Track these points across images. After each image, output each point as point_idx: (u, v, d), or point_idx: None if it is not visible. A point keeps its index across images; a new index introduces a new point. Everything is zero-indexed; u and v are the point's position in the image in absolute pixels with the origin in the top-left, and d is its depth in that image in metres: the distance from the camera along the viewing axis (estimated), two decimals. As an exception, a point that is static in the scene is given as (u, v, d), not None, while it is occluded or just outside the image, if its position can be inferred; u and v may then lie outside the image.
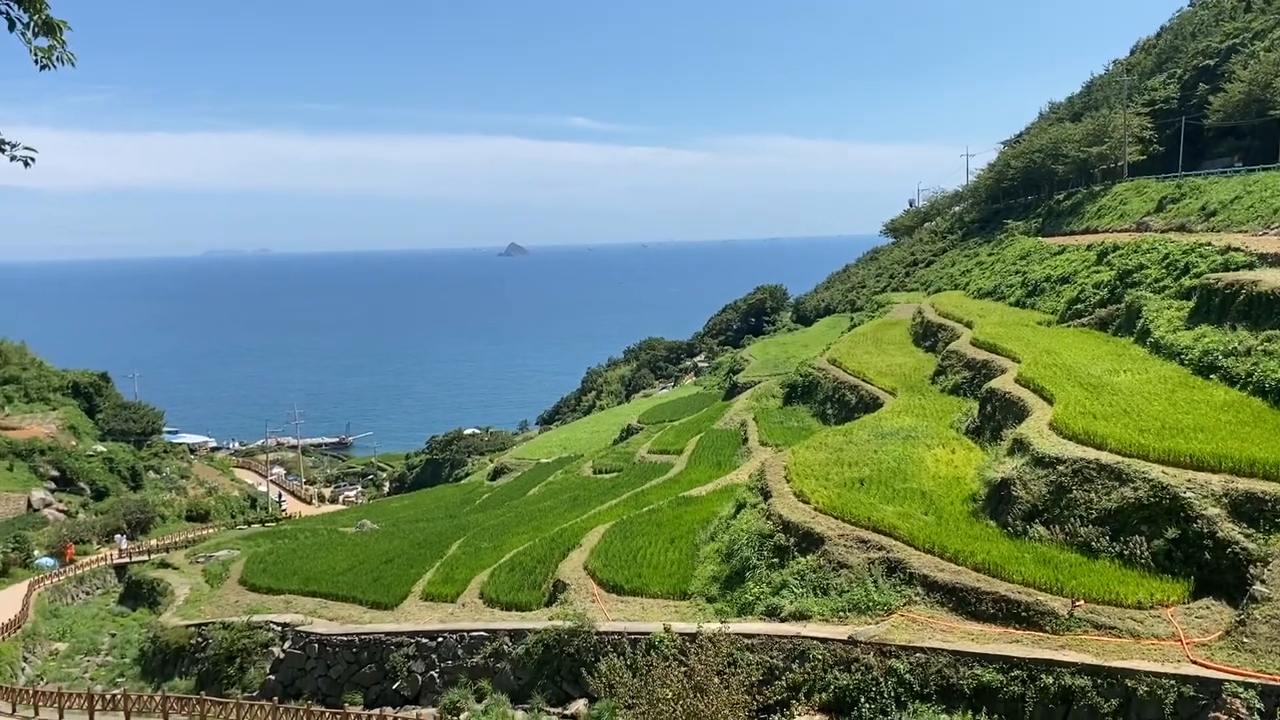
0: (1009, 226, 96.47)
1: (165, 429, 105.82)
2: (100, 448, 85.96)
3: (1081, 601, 24.03)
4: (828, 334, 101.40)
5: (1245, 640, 21.28)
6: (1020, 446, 30.57)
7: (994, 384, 39.78)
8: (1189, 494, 24.93)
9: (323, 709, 29.91)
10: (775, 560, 30.42)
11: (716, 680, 22.12)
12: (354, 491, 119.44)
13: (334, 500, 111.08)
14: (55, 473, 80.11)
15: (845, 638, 25.52)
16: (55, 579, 60.15)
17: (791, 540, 30.55)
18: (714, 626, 27.33)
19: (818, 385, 61.47)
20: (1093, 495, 26.79)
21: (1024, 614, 24.42)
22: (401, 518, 68.31)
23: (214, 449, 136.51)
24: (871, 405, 50.41)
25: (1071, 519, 26.80)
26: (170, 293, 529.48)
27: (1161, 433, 28.11)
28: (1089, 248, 64.12)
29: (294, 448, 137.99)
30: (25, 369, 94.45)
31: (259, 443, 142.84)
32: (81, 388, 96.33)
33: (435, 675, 32.56)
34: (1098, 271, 57.20)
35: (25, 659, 45.97)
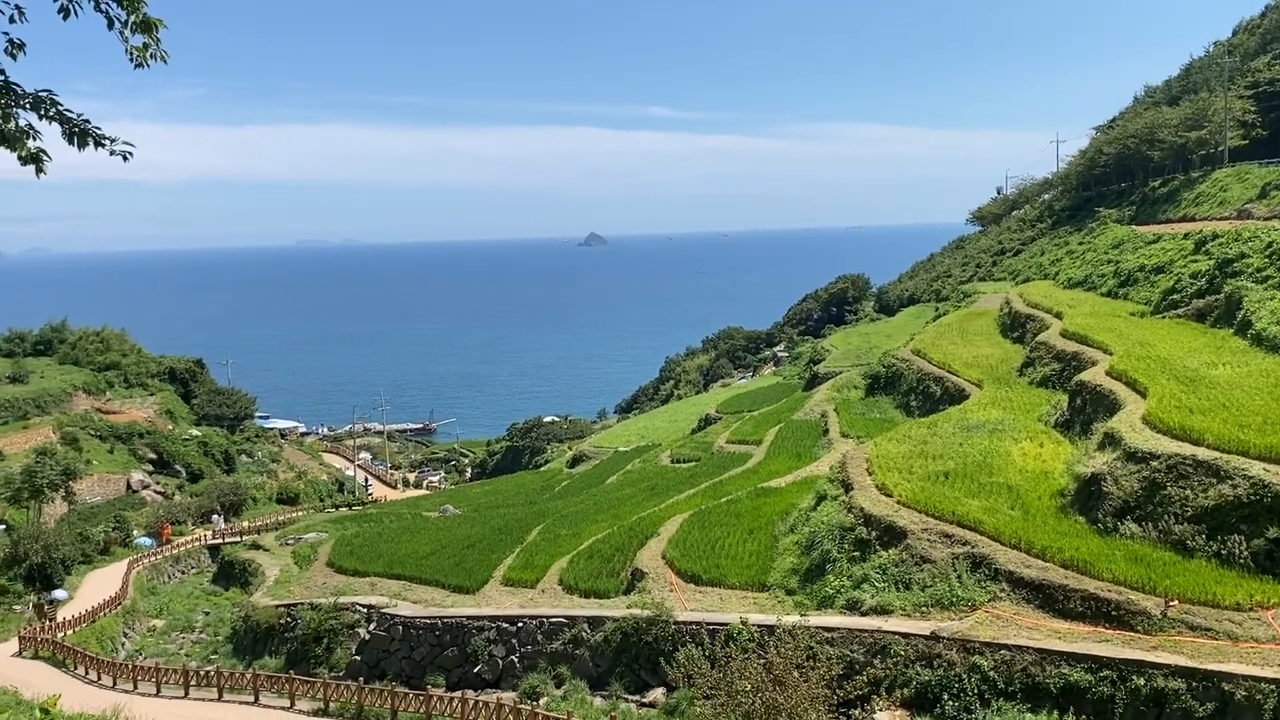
0: (1101, 214, 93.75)
1: (257, 414, 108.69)
2: (195, 432, 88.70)
3: (1176, 601, 23.31)
4: (912, 324, 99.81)
5: (1351, 646, 20.44)
6: (1111, 441, 29.74)
7: (1084, 376, 38.74)
8: (1292, 492, 23.97)
9: (406, 690, 30.47)
10: (856, 553, 30.09)
11: (796, 674, 21.97)
12: (437, 477, 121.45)
13: (418, 485, 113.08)
14: (153, 455, 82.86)
15: (928, 633, 25.14)
16: (153, 558, 62.22)
17: (873, 533, 30.19)
18: (793, 619, 27.15)
19: (901, 376, 60.55)
20: (1188, 492, 25.94)
21: (1114, 613, 23.78)
22: (483, 503, 69.23)
23: (303, 434, 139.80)
24: (957, 397, 49.48)
25: (1165, 516, 25.99)
26: (262, 281, 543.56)
27: (1263, 428, 27.08)
28: (1186, 236, 61.94)
29: (380, 433, 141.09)
30: (125, 355, 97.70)
31: (346, 428, 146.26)
32: (178, 373, 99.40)
33: (515, 660, 32.96)
34: (1195, 261, 55.23)
35: (125, 635, 47.72)
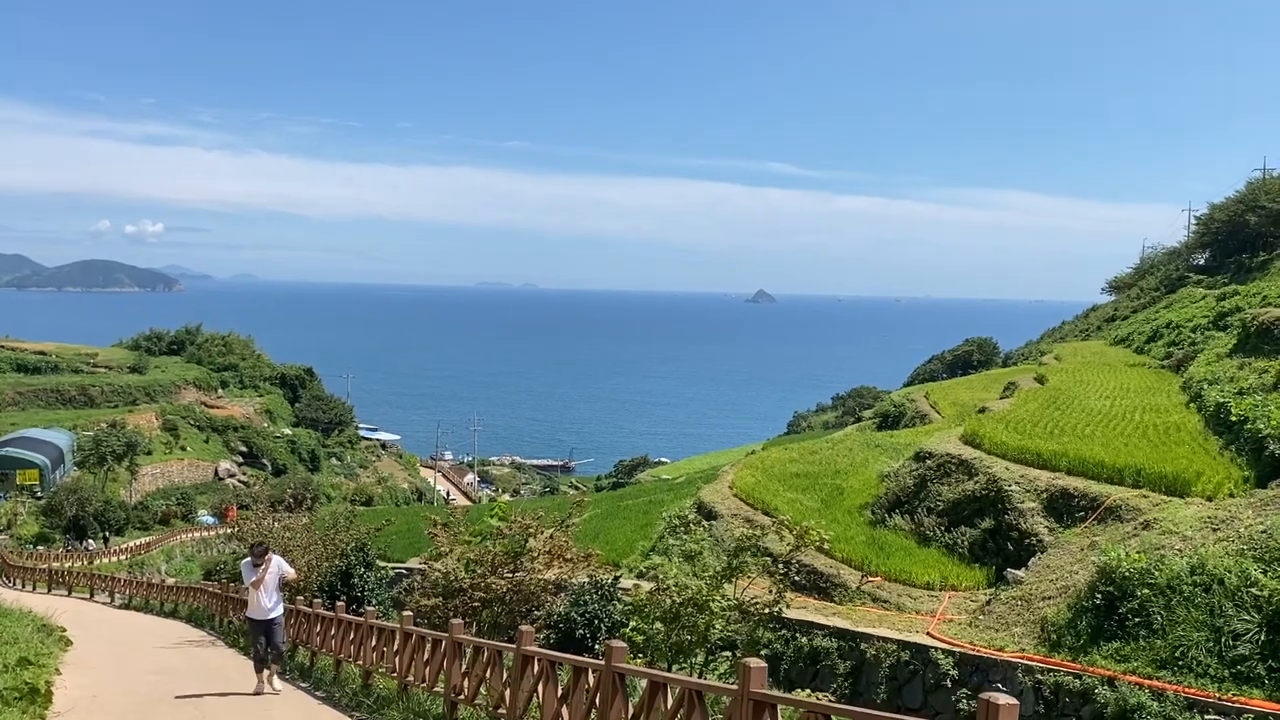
0: (1191, 281, 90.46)
1: (361, 425, 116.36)
2: (287, 431, 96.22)
3: (876, 578, 24.32)
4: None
5: (981, 618, 21.25)
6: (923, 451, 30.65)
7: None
8: None
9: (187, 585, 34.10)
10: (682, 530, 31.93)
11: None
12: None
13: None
14: (244, 448, 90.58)
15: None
16: (205, 533, 68.63)
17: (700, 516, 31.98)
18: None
19: (904, 414, 61.49)
20: (944, 488, 26.72)
21: (824, 585, 24.94)
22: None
23: (446, 459, 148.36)
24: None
25: (920, 509, 26.83)
26: (441, 318, 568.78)
27: (1030, 433, 27.65)
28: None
29: (518, 466, 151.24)
30: (244, 359, 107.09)
31: (494, 459, 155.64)
32: (288, 379, 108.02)
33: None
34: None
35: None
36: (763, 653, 23.47)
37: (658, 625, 18.17)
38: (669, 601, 18.20)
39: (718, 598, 18.52)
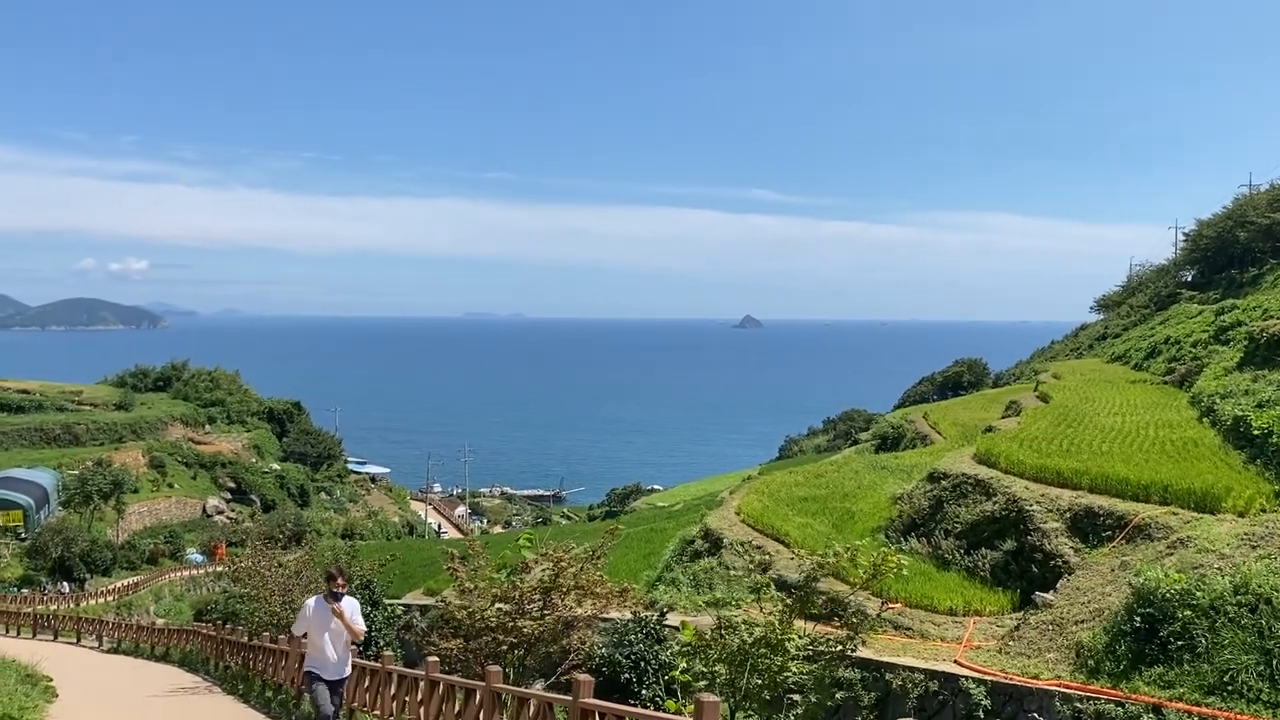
0: (1184, 297, 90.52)
1: (350, 459, 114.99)
2: (275, 466, 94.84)
3: (897, 604, 23.49)
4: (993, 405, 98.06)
5: (1011, 644, 20.42)
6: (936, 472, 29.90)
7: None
8: None
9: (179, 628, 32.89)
10: (688, 561, 31.03)
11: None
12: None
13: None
14: (232, 484, 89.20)
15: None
16: (193, 572, 67.24)
17: (706, 545, 31.06)
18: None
19: (903, 435, 60.81)
20: (961, 509, 25.91)
21: (841, 612, 23.98)
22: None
23: (438, 493, 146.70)
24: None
25: (938, 532, 26.03)
26: (426, 350, 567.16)
27: (1046, 451, 26.93)
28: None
29: (508, 496, 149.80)
30: (231, 394, 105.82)
31: (485, 490, 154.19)
32: (276, 413, 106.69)
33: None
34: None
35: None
36: (839, 695, 22.51)
37: (719, 668, 16.05)
38: (737, 641, 16.00)
39: (793, 635, 16.40)
